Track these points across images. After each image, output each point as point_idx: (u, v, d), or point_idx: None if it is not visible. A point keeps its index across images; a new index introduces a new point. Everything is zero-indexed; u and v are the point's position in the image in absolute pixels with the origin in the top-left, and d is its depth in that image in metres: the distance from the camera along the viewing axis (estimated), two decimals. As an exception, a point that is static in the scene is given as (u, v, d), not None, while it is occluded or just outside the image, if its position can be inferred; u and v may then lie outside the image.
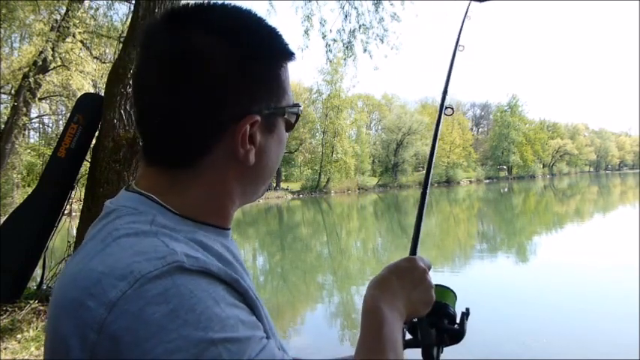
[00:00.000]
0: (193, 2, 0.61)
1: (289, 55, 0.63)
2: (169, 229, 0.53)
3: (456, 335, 0.77)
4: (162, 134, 0.58)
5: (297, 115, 0.66)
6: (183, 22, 0.57)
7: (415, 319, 0.76)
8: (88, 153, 4.98)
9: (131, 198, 0.58)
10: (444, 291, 0.80)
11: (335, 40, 10.67)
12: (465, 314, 0.79)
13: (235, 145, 0.57)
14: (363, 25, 10.43)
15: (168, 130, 0.57)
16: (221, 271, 0.50)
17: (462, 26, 1.07)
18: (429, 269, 0.75)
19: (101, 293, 0.46)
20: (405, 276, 0.73)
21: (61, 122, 23.05)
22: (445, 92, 1.02)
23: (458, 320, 0.79)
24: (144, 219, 0.54)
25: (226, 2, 0.61)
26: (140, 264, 0.47)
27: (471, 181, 60.32)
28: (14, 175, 17.80)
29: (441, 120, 0.99)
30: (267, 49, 0.61)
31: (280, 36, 0.63)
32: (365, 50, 10.63)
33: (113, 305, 0.45)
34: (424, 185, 0.90)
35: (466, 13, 1.10)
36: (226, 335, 0.45)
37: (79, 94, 9.71)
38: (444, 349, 0.78)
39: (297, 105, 0.65)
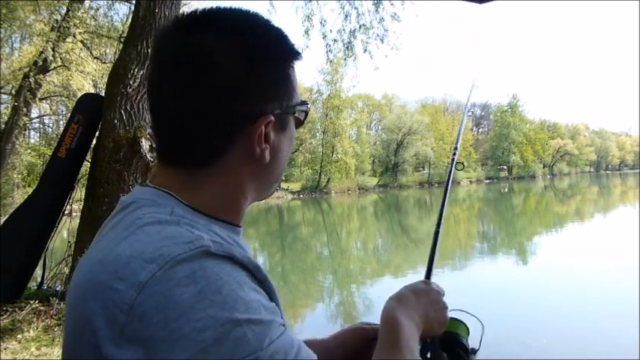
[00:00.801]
0: (202, 7, 0.62)
1: (296, 55, 0.65)
2: (188, 219, 0.55)
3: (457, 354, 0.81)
4: (179, 136, 0.59)
5: (306, 113, 0.68)
6: (194, 26, 0.59)
7: (428, 340, 0.80)
8: (89, 153, 4.98)
9: (148, 192, 0.59)
10: (458, 323, 0.84)
11: (335, 40, 10.71)
12: (472, 352, 0.83)
13: (252, 145, 0.59)
14: (364, 25, 10.46)
15: (184, 133, 0.58)
16: (244, 258, 0.52)
17: (469, 95, 1.13)
18: (443, 295, 0.80)
19: (130, 275, 0.47)
20: (422, 294, 0.77)
21: (61, 122, 23.08)
22: (456, 148, 1.08)
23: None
24: (163, 210, 0.55)
25: (234, 6, 0.63)
26: (169, 247, 0.48)
27: (471, 182, 60.32)
28: (15, 176, 17.80)
29: (452, 173, 1.04)
30: (276, 50, 0.63)
31: (287, 37, 0.64)
32: (365, 50, 10.66)
33: (143, 286, 0.46)
34: (438, 223, 0.96)
35: (473, 86, 1.15)
36: (250, 317, 0.47)
37: (79, 95, 9.72)
38: None
39: (305, 103, 0.67)
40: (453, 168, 1.04)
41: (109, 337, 0.46)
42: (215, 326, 0.45)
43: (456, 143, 1.08)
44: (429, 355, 0.80)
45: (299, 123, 0.68)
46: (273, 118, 0.60)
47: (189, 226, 0.53)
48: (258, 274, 0.54)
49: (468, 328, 0.85)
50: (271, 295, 0.55)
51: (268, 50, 0.61)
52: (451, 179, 1.03)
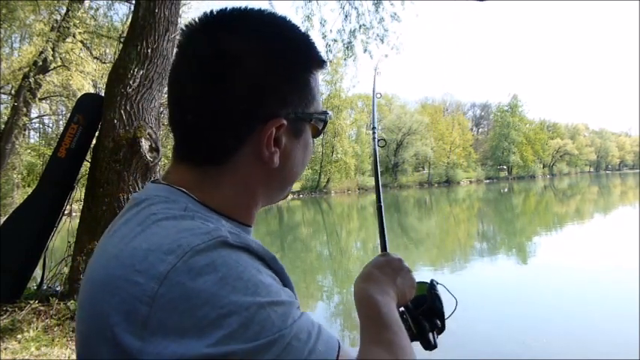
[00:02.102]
0: (230, 7, 0.62)
1: (320, 63, 0.64)
2: (202, 214, 0.56)
3: (432, 309, 0.85)
4: (194, 132, 0.59)
5: (325, 122, 0.67)
6: (220, 25, 0.59)
7: (402, 310, 0.82)
8: (88, 153, 4.98)
9: (161, 189, 0.60)
10: (422, 285, 0.87)
11: (335, 41, 10.68)
12: (431, 286, 0.87)
13: (260, 147, 0.59)
14: (364, 25, 10.44)
15: (200, 129, 0.59)
16: (260, 249, 0.54)
17: (374, 80, 1.26)
18: (403, 262, 0.83)
19: (149, 268, 0.47)
20: (384, 266, 0.79)
21: (61, 122, 23.09)
22: (374, 128, 1.21)
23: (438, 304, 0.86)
24: (177, 206, 0.56)
25: (263, 8, 0.63)
26: (187, 239, 0.49)
27: (471, 182, 60.31)
28: (14, 176, 17.80)
29: (377, 151, 1.13)
30: (299, 55, 0.62)
31: (313, 44, 0.64)
32: (365, 50, 10.63)
33: (164, 278, 0.46)
34: (377, 199, 1.04)
35: (376, 70, 1.28)
36: (272, 299, 0.48)
37: (79, 94, 9.71)
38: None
39: (325, 112, 0.66)
40: (377, 146, 1.13)
41: (130, 331, 0.45)
42: (240, 311, 0.45)
43: (373, 123, 1.23)
44: (409, 322, 0.82)
45: (316, 132, 0.67)
46: (285, 122, 0.59)
47: (203, 220, 0.53)
48: (274, 265, 0.55)
49: (432, 284, 0.88)
50: (286, 284, 0.55)
51: (293, 54, 0.61)
52: (378, 156, 1.12)
